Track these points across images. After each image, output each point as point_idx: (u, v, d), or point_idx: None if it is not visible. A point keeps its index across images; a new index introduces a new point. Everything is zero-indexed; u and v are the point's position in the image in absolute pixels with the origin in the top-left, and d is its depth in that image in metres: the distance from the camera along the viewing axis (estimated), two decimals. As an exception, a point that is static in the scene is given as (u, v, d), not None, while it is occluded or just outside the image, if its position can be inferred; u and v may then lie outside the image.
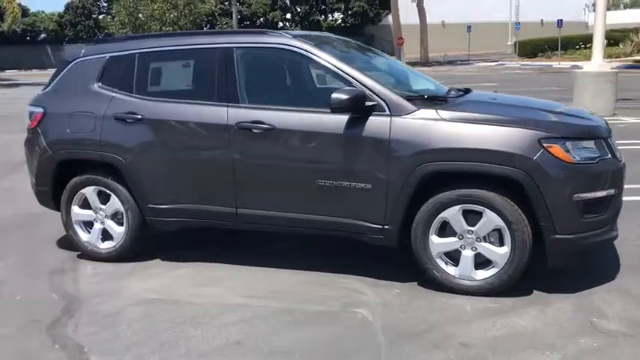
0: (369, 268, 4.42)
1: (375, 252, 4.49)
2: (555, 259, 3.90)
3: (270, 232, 4.73)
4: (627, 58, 30.58)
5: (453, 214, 3.92)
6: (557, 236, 3.78)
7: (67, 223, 4.89)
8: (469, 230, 3.92)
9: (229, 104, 4.34)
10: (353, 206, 4.11)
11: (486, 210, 3.84)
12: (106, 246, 4.83)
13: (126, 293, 4.23)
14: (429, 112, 3.96)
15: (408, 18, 41.19)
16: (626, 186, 4.19)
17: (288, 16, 51.13)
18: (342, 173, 4.08)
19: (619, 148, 4.19)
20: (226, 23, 46.86)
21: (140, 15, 37.24)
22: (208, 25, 45.50)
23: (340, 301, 3.98)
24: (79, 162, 4.80)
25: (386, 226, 4.06)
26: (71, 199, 4.83)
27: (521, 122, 3.87)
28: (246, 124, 4.26)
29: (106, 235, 4.84)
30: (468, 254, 3.96)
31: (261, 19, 49.60)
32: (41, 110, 4.89)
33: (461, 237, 3.95)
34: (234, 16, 41.73)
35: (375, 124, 3.98)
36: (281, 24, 49.81)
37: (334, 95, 3.91)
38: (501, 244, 3.88)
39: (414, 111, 3.97)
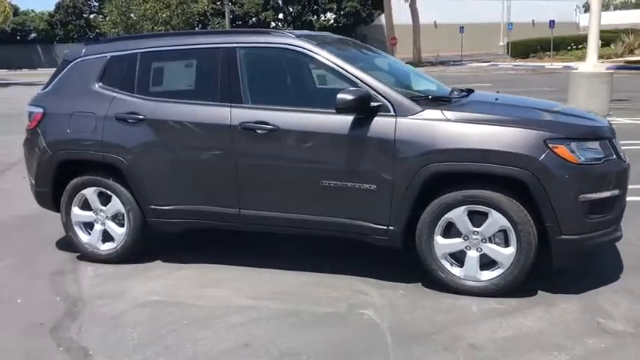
0: (373, 269, 4.41)
1: (378, 253, 4.48)
2: (561, 260, 3.90)
3: (273, 233, 4.71)
4: (619, 59, 30.77)
5: (458, 215, 3.91)
6: (563, 237, 3.78)
7: (67, 225, 4.85)
8: (474, 231, 3.92)
9: (232, 104, 4.31)
10: (357, 207, 4.09)
11: (492, 211, 3.84)
12: (106, 247, 4.79)
13: (128, 295, 4.20)
14: (435, 113, 3.95)
15: (401, 18, 41.25)
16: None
17: (281, 16, 51.07)
18: (347, 174, 4.07)
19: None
20: (218, 23, 46.73)
21: (132, 15, 37.10)
22: (200, 25, 45.36)
23: (346, 302, 3.97)
24: (80, 163, 4.75)
25: (390, 227, 4.04)
26: (71, 200, 4.78)
27: (527, 123, 3.88)
28: (249, 125, 4.23)
29: (106, 237, 4.79)
30: (473, 255, 3.96)
31: (254, 18, 49.48)
32: (41, 110, 4.84)
33: (466, 238, 3.95)
34: (226, 15, 41.64)
35: (381, 124, 3.97)
36: (273, 24, 49.70)
37: (340, 95, 3.89)
38: (507, 244, 3.88)
39: (420, 111, 3.96)
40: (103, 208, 4.74)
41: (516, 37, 39.74)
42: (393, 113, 3.97)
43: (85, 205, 4.79)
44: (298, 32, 4.58)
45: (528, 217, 3.80)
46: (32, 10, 59.35)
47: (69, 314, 3.91)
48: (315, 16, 50.18)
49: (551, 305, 3.82)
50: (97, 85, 4.72)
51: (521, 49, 38.36)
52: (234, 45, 4.43)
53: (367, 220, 4.09)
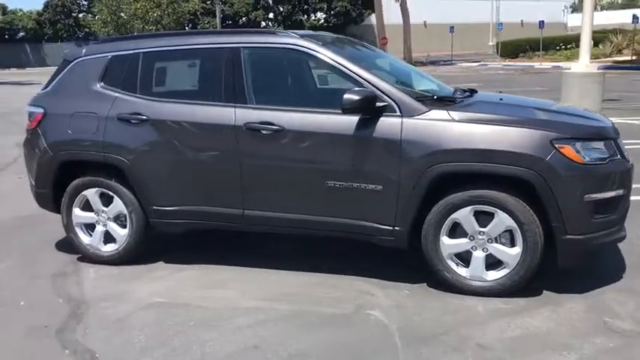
0: (377, 270, 4.41)
1: (380, 253, 4.48)
2: (566, 260, 3.92)
3: (276, 233, 4.69)
4: (607, 59, 31.00)
5: (464, 215, 3.91)
6: (569, 237, 3.80)
7: (68, 226, 4.80)
8: (480, 231, 3.92)
9: (237, 105, 4.29)
10: (363, 208, 4.08)
11: (498, 211, 3.85)
12: (108, 249, 4.75)
13: (132, 297, 4.16)
14: (441, 113, 3.95)
15: (391, 18, 41.26)
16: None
17: (271, 15, 50.91)
18: (352, 174, 4.06)
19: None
20: (209, 22, 46.54)
21: (122, 14, 36.86)
22: (190, 25, 45.13)
23: (352, 303, 3.96)
24: (81, 163, 4.70)
25: (396, 228, 4.04)
26: (72, 201, 4.73)
27: (533, 123, 3.89)
28: (254, 125, 4.21)
29: (108, 238, 4.76)
30: (479, 255, 3.96)
31: (244, 18, 49.31)
32: (41, 110, 4.79)
33: (472, 238, 3.95)
34: (217, 15, 41.46)
35: (387, 125, 3.96)
36: (263, 23, 49.54)
37: (346, 96, 3.88)
38: (513, 244, 3.89)
39: (426, 112, 3.96)
40: (105, 209, 4.70)
41: (505, 38, 39.92)
42: (399, 113, 3.97)
43: (87, 206, 4.75)
44: (302, 32, 4.57)
45: (534, 217, 3.82)
46: (20, 9, 58.86)
47: (73, 316, 3.87)
48: (306, 16, 50.05)
49: (558, 305, 3.83)
50: (98, 85, 4.68)
51: (511, 49, 38.55)
52: (239, 45, 4.40)
53: (373, 220, 4.08)
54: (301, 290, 4.19)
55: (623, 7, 69.86)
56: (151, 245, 4.88)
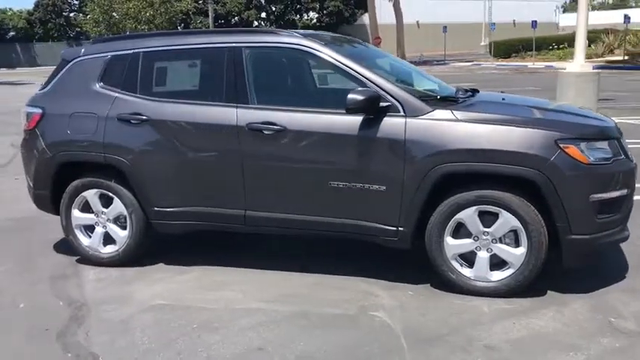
0: (379, 270, 4.39)
1: (381, 253, 4.45)
2: (571, 260, 3.91)
3: (277, 234, 4.66)
4: (599, 59, 31.12)
5: (468, 216, 3.90)
6: (573, 237, 3.79)
7: (67, 228, 4.75)
8: (485, 231, 3.91)
9: (239, 105, 4.25)
10: (366, 208, 4.06)
11: (503, 211, 3.83)
12: (108, 250, 4.71)
13: (134, 299, 4.12)
14: (445, 113, 3.93)
15: (384, 18, 41.26)
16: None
17: (263, 15, 50.80)
18: (356, 175, 4.03)
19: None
20: (201, 22, 46.38)
21: (115, 13, 36.66)
22: (183, 24, 44.95)
23: (356, 304, 3.94)
24: (80, 164, 4.65)
25: (400, 228, 4.02)
26: (71, 202, 4.68)
27: (537, 123, 3.88)
28: (256, 125, 4.17)
29: (108, 240, 4.71)
30: (483, 255, 3.95)
31: (236, 17, 49.17)
32: (40, 111, 4.74)
33: (476, 238, 3.94)
34: (210, 14, 41.33)
35: (390, 125, 3.94)
36: (256, 23, 49.42)
37: (350, 95, 3.85)
38: (517, 244, 3.88)
39: (430, 112, 3.94)
40: (105, 210, 4.65)
41: (497, 37, 40.00)
42: (402, 113, 3.95)
43: (86, 208, 4.70)
44: (303, 32, 4.54)
45: (539, 217, 3.80)
46: (10, 9, 58.36)
47: (74, 319, 3.83)
48: (298, 16, 50.00)
49: (562, 305, 3.82)
50: (97, 85, 4.63)
51: (504, 49, 38.63)
52: (240, 45, 4.37)
53: (376, 221, 4.06)
54: (303, 291, 4.17)
55: (614, 7, 70.28)
56: (152, 247, 4.83)
